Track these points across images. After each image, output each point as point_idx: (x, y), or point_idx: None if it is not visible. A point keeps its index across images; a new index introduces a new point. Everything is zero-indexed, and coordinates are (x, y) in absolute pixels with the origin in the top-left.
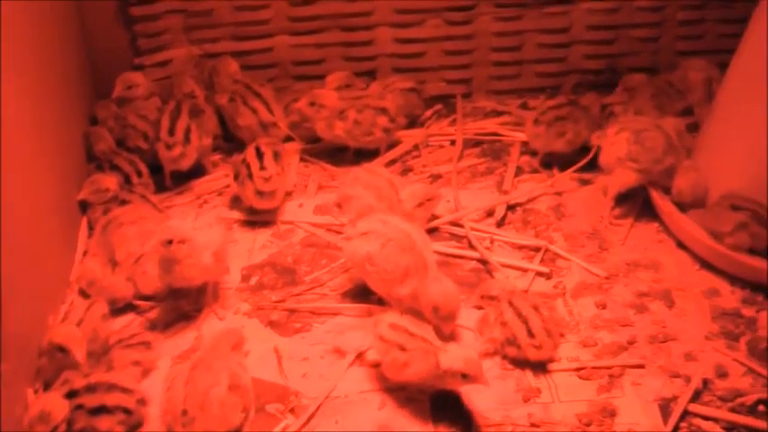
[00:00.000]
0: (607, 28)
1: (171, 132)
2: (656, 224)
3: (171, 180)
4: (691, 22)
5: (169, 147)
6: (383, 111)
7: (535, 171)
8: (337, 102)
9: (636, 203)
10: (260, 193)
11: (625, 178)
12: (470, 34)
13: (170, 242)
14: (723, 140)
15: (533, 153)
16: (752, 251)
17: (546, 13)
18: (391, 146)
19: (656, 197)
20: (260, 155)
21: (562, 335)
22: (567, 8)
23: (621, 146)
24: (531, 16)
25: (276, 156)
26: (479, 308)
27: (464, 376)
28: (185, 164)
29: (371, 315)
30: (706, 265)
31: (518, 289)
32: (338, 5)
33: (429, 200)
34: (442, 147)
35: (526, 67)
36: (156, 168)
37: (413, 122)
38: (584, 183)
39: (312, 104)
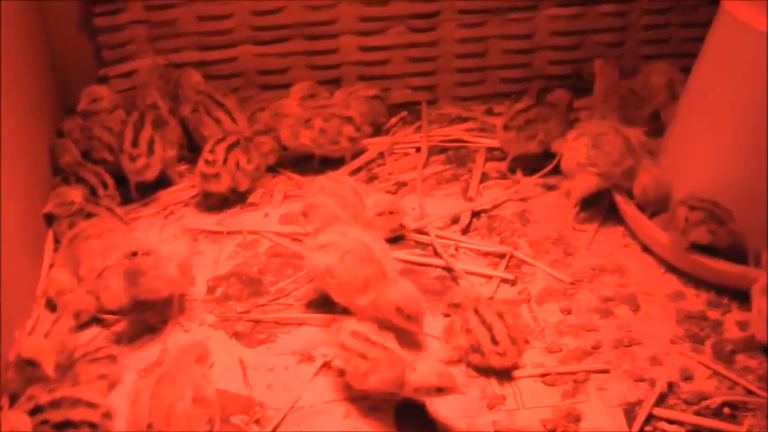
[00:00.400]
0: (571, 34)
1: (134, 144)
2: (621, 228)
3: (136, 191)
4: (655, 27)
5: (133, 158)
6: (349, 119)
7: (503, 177)
8: (302, 111)
9: (601, 208)
10: (203, 175)
11: (586, 183)
12: (434, 41)
13: (135, 254)
14: (686, 143)
15: (501, 158)
16: (716, 253)
17: (509, 19)
18: (356, 154)
19: (621, 201)
20: (219, 141)
21: (527, 341)
22: (530, 14)
23: (580, 151)
24: (495, 22)
25: (230, 147)
26: (447, 315)
27: (439, 390)
28: (150, 175)
29: None
30: (671, 268)
31: (483, 296)
32: (302, 14)
33: (392, 213)
34: (407, 154)
35: (491, 73)
36: (122, 180)
37: (378, 130)
38: (549, 188)
39: (277, 114)
